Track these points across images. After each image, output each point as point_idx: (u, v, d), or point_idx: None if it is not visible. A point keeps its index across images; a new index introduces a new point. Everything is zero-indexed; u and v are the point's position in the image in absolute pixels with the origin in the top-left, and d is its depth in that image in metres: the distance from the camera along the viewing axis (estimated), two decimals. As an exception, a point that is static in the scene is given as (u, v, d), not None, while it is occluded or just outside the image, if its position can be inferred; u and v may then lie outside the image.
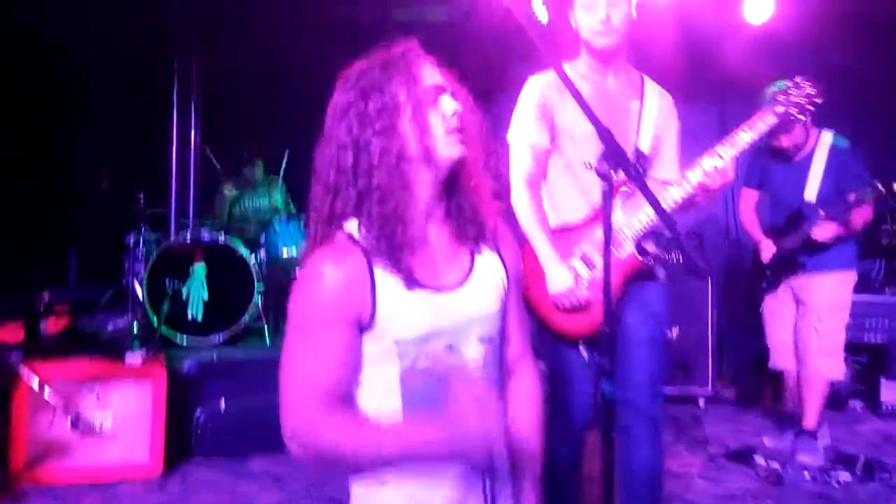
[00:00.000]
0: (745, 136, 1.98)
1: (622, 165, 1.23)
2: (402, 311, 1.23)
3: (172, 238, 4.26)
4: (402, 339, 1.24)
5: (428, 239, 1.30)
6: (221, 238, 4.06)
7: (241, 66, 5.25)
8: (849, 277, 3.51)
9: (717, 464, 3.48)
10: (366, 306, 1.22)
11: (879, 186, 3.23)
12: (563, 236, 2.12)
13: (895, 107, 4.87)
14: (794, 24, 4.38)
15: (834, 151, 3.44)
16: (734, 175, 1.98)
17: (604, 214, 1.22)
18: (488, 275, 1.36)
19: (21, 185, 4.99)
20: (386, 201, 1.21)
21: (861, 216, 3.39)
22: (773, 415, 4.04)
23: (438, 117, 1.25)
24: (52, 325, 3.56)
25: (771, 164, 3.59)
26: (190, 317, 3.92)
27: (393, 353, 1.24)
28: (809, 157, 3.48)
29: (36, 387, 3.06)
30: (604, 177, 1.24)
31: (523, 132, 2.15)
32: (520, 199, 2.12)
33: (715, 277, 4.24)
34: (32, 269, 4.82)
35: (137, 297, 4.02)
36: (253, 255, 4.14)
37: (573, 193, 2.14)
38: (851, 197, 3.31)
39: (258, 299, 4.03)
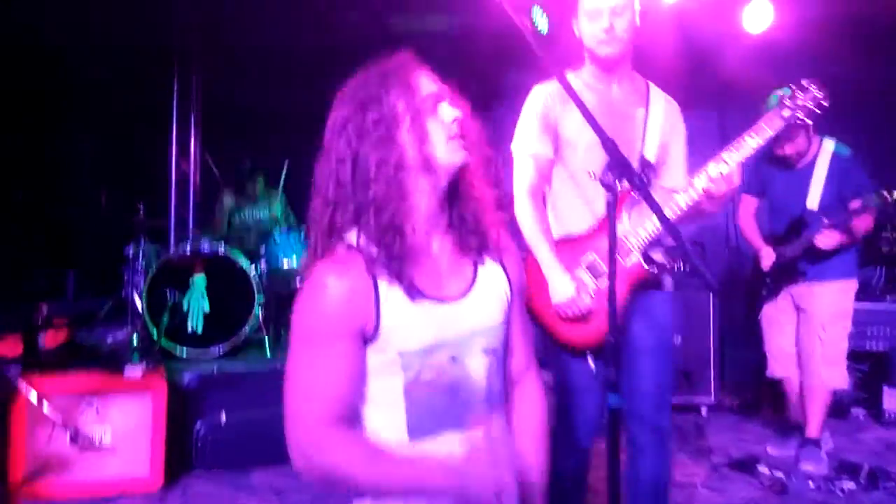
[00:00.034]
0: (752, 142, 1.96)
1: (627, 175, 1.22)
2: (406, 322, 1.23)
3: (172, 250, 4.24)
4: (406, 351, 1.23)
5: (431, 250, 1.30)
6: (221, 249, 4.04)
7: (241, 75, 5.27)
8: (850, 286, 3.51)
9: (721, 473, 3.46)
10: (370, 318, 1.21)
11: (885, 194, 3.23)
12: (568, 246, 2.11)
13: (893, 115, 4.88)
14: (793, 33, 4.41)
15: (836, 159, 3.44)
16: (740, 181, 1.97)
17: (609, 225, 1.21)
18: (491, 286, 1.35)
19: (19, 197, 4.98)
20: (383, 212, 1.21)
21: (863, 224, 3.39)
22: (775, 423, 4.02)
23: (438, 125, 1.25)
24: (50, 339, 3.54)
25: (772, 171, 3.59)
26: (190, 329, 3.89)
27: (397, 364, 1.23)
28: (811, 164, 3.48)
29: (34, 401, 3.04)
30: (608, 187, 1.23)
31: (526, 143, 2.15)
32: (523, 210, 2.12)
33: (718, 288, 4.23)
34: (31, 282, 4.80)
35: (137, 309, 4.00)
36: (253, 266, 4.12)
37: (577, 203, 2.13)
38: (857, 204, 3.31)
39: (258, 311, 4.01)
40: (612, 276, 1.25)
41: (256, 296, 4.00)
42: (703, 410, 4.32)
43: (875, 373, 4.32)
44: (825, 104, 1.98)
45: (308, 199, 1.30)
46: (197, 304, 3.91)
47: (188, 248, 4.04)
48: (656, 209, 1.27)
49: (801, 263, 3.48)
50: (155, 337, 3.77)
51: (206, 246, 4.04)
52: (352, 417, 1.24)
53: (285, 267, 4.36)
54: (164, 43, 4.97)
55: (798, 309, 3.56)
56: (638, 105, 2.15)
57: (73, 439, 3.09)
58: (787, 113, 1.98)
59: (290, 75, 5.11)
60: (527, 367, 1.47)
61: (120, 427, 3.18)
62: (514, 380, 1.45)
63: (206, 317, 3.91)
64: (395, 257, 1.21)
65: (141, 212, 4.33)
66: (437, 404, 1.26)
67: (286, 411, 1.21)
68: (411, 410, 1.24)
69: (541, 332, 2.12)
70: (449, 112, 1.26)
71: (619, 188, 1.23)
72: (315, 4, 4.59)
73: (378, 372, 1.24)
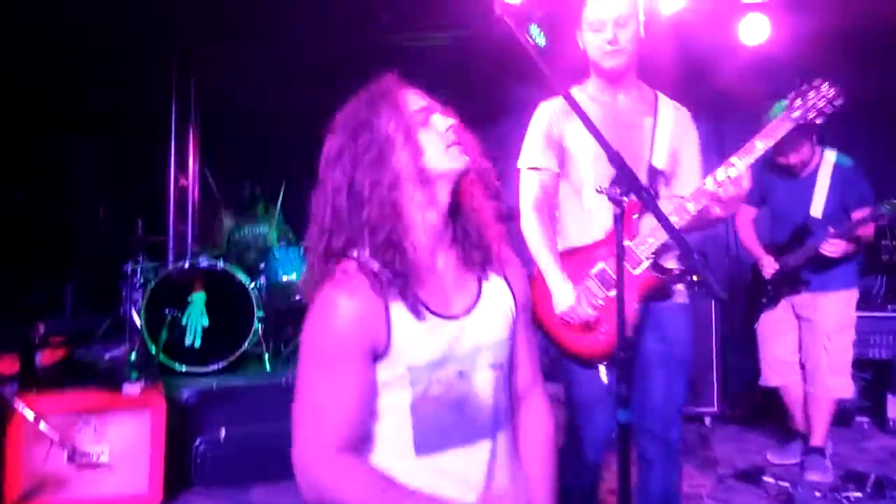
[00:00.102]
0: (761, 145, 1.93)
1: (634, 189, 1.21)
2: (415, 339, 1.22)
3: (171, 266, 4.23)
4: (415, 366, 1.23)
5: (436, 266, 1.30)
6: (220, 265, 4.03)
7: (242, 84, 5.26)
8: (852, 296, 3.51)
9: (727, 484, 3.44)
10: (381, 336, 1.21)
11: None
12: (578, 256, 2.11)
13: (889, 127, 4.90)
14: (789, 46, 4.44)
15: (838, 169, 3.45)
16: (749, 184, 1.93)
17: (616, 238, 1.20)
18: (496, 301, 1.35)
19: (17, 197, 4.96)
20: (378, 232, 1.21)
21: (866, 232, 3.39)
22: (779, 432, 4.00)
23: (432, 136, 1.26)
24: (47, 357, 3.51)
25: (774, 180, 3.58)
26: (188, 344, 3.87)
27: (405, 379, 1.23)
28: (814, 173, 3.48)
29: (31, 419, 3.01)
30: (615, 202, 1.22)
31: (531, 158, 2.17)
32: (528, 225, 2.12)
33: (720, 297, 4.21)
34: (29, 299, 4.78)
35: (135, 326, 3.98)
36: (252, 282, 4.11)
37: (584, 216, 2.13)
38: (864, 213, 3.32)
39: (258, 326, 4.00)
40: (619, 289, 1.24)
41: (256, 311, 3.98)
42: (707, 420, 4.30)
43: (878, 381, 4.30)
44: (838, 103, 1.93)
45: (306, 213, 1.30)
46: (196, 320, 3.89)
47: (187, 264, 4.03)
48: (664, 221, 1.25)
49: (804, 272, 3.47)
50: (153, 353, 3.74)
51: (204, 262, 4.03)
52: (360, 442, 1.23)
53: (284, 282, 4.34)
54: (162, 59, 4.97)
55: (799, 318, 3.56)
56: (645, 114, 2.14)
57: (71, 458, 3.05)
58: (796, 114, 1.94)
59: (292, 87, 5.12)
60: (533, 381, 1.46)
61: (118, 445, 3.15)
62: (520, 395, 1.44)
63: (205, 332, 3.90)
64: (399, 275, 1.21)
65: (139, 228, 4.32)
66: (443, 420, 1.25)
67: (294, 435, 1.20)
68: (418, 426, 1.23)
69: (551, 345, 2.11)
70: (442, 121, 1.27)
71: (625, 202, 1.22)
72: (322, 20, 4.60)
73: (386, 387, 1.23)
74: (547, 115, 2.15)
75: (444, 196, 1.27)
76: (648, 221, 2.03)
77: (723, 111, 4.89)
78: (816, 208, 3.45)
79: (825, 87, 1.94)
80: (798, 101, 1.94)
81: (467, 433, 1.28)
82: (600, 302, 2.03)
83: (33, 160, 5.22)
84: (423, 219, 1.26)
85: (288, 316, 4.35)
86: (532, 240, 2.11)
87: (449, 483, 1.25)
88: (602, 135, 1.28)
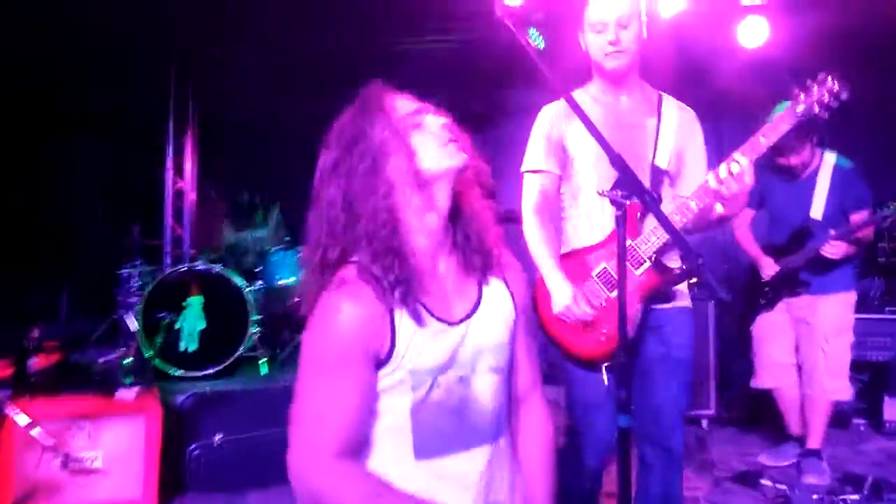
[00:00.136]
0: (764, 140, 1.91)
1: (636, 192, 1.20)
2: (418, 344, 1.22)
3: (167, 269, 4.21)
4: (417, 371, 1.22)
5: (437, 271, 1.29)
6: (216, 268, 4.02)
7: (241, 94, 5.24)
8: (850, 298, 3.51)
9: (724, 487, 3.43)
10: (384, 341, 1.20)
11: None
12: (580, 258, 2.10)
13: (886, 129, 4.91)
14: (787, 48, 4.46)
15: (838, 171, 3.46)
16: (753, 181, 1.90)
17: (619, 242, 1.19)
18: (496, 305, 1.35)
19: (16, 199, 4.93)
20: (374, 241, 1.21)
21: (866, 234, 3.40)
22: (776, 434, 4.00)
23: (426, 137, 1.25)
24: (41, 361, 3.49)
25: (773, 181, 3.57)
26: (183, 349, 3.85)
27: (407, 384, 1.22)
28: (814, 175, 3.49)
29: (24, 425, 2.98)
30: (617, 205, 1.21)
31: (532, 161, 2.17)
32: (529, 227, 2.12)
33: (722, 298, 4.21)
34: (24, 304, 4.74)
35: (130, 331, 3.96)
36: (249, 285, 4.09)
37: (587, 218, 2.12)
38: (864, 216, 3.33)
39: (254, 330, 3.98)
40: (621, 291, 1.23)
41: (252, 315, 3.96)
42: (704, 422, 4.29)
43: (875, 383, 4.31)
44: (843, 97, 1.88)
45: (304, 215, 1.30)
46: (192, 324, 3.87)
47: (183, 268, 4.02)
48: (666, 224, 1.25)
49: (803, 274, 3.47)
50: (149, 357, 3.72)
51: (201, 265, 4.02)
52: (358, 448, 1.22)
53: (281, 285, 4.33)
54: (159, 63, 4.95)
55: (797, 321, 3.55)
56: (649, 115, 2.13)
57: (64, 463, 3.03)
58: (801, 108, 1.90)
59: (292, 90, 5.09)
60: (533, 385, 1.46)
61: (112, 450, 3.12)
62: (519, 398, 1.44)
63: (200, 336, 3.88)
64: (401, 281, 1.20)
65: (136, 233, 4.31)
66: (444, 425, 1.25)
67: (291, 438, 1.19)
68: (418, 430, 1.23)
69: (553, 347, 2.10)
70: (435, 121, 1.27)
71: (627, 205, 1.21)
72: (322, 24, 4.59)
73: (387, 391, 1.23)
74: (548, 119, 2.15)
75: (443, 199, 1.26)
76: (651, 220, 2.01)
77: (721, 113, 4.89)
78: (816, 210, 3.45)
79: (830, 80, 1.89)
80: (802, 96, 1.91)
81: (467, 438, 1.27)
82: (602, 303, 2.01)
83: (31, 162, 5.19)
84: (423, 223, 1.25)
85: (284, 320, 4.34)
86: (532, 242, 2.11)
87: (448, 488, 1.24)
88: (603, 137, 1.27)
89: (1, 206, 4.85)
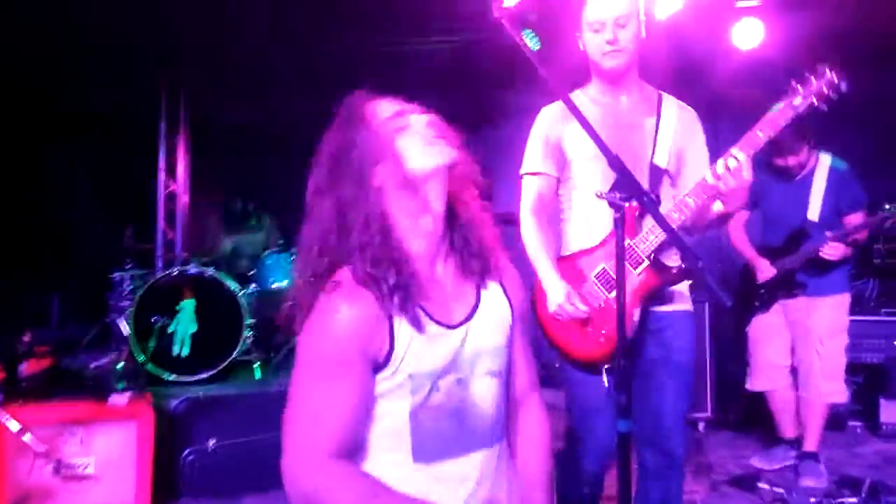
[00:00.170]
0: (762, 134, 1.88)
1: (634, 194, 1.19)
2: (417, 348, 1.21)
3: (159, 273, 4.18)
4: (417, 375, 1.21)
5: (435, 275, 1.29)
6: (209, 272, 3.99)
7: (233, 93, 5.21)
8: (845, 300, 3.51)
9: (721, 491, 3.43)
10: (382, 346, 1.19)
11: None
12: (578, 260, 2.09)
13: (881, 129, 4.92)
14: (782, 50, 4.47)
15: (834, 172, 3.46)
16: (751, 176, 1.87)
17: (617, 244, 1.18)
18: (494, 309, 1.34)
19: (2, 222, 4.90)
20: (367, 250, 1.20)
21: (862, 236, 3.41)
22: (772, 437, 4.00)
23: (413, 137, 1.24)
24: (32, 366, 3.45)
25: (769, 182, 3.57)
26: (176, 353, 3.82)
27: (406, 388, 1.21)
28: (809, 176, 3.49)
29: (16, 431, 2.95)
30: (615, 206, 1.20)
31: (530, 163, 2.17)
32: (526, 229, 2.11)
33: (724, 302, 4.20)
34: (14, 309, 4.70)
35: (122, 335, 3.93)
36: (243, 289, 4.07)
37: (585, 221, 2.11)
38: (862, 217, 3.32)
39: (248, 333, 3.95)
40: (620, 293, 1.22)
41: (245, 318, 3.93)
42: (700, 426, 4.28)
43: (871, 385, 4.31)
44: (843, 88, 1.85)
45: (301, 216, 1.30)
46: (185, 328, 3.85)
47: (175, 272, 3.99)
48: (665, 226, 1.23)
49: (799, 276, 3.47)
50: (141, 362, 3.69)
51: (193, 269, 3.99)
52: (354, 450, 1.21)
53: (275, 289, 4.31)
54: (152, 67, 4.92)
55: (792, 323, 3.55)
56: (648, 114, 2.12)
57: (56, 470, 3.00)
58: (798, 101, 1.86)
59: (291, 93, 5.07)
60: (530, 388, 1.46)
61: (104, 456, 3.09)
62: (517, 401, 1.44)
63: (194, 340, 3.85)
64: (399, 287, 1.20)
65: (128, 237, 4.28)
66: (442, 428, 1.24)
67: (285, 439, 1.18)
68: (416, 434, 1.22)
69: (553, 350, 2.08)
70: (419, 119, 1.26)
71: (626, 207, 1.20)
72: (319, 26, 4.57)
73: (386, 395, 1.22)
74: (546, 121, 2.14)
75: (436, 201, 1.26)
76: (650, 218, 1.99)
77: (717, 114, 4.89)
78: (813, 212, 3.45)
79: (828, 72, 1.86)
80: (801, 89, 1.88)
81: (466, 441, 1.27)
82: (601, 304, 2.00)
83: (21, 166, 5.15)
84: (418, 227, 1.25)
85: (277, 324, 4.30)
86: (529, 244, 2.10)
87: (445, 491, 1.24)
88: (601, 138, 1.26)
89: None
